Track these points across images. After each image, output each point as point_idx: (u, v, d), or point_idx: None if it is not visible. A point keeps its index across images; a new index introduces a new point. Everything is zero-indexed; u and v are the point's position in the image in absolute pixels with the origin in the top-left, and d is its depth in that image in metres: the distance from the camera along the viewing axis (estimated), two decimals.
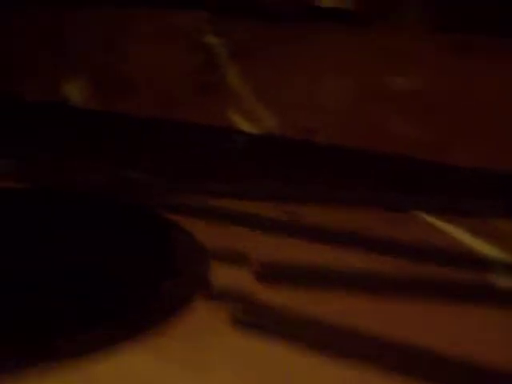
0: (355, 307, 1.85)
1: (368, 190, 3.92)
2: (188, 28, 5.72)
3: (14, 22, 6.44)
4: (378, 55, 5.07)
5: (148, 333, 1.68)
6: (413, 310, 1.90)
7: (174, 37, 5.79)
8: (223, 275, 2.24)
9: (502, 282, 2.12)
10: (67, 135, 5.02)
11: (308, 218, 3.22)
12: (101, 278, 2.02)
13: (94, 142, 4.78)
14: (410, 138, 5.01)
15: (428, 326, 1.76)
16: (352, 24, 5.06)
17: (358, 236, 2.77)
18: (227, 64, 5.45)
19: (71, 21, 6.25)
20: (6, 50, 6.54)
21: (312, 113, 5.39)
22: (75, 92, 6.15)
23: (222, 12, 5.09)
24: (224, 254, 2.52)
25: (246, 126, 5.38)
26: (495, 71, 3.96)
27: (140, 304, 1.72)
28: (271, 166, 4.49)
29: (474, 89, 3.94)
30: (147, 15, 5.73)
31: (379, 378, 1.45)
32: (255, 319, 1.91)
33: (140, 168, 4.03)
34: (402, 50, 4.91)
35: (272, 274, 2.31)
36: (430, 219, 3.30)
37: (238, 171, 4.18)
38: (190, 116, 5.77)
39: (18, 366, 1.37)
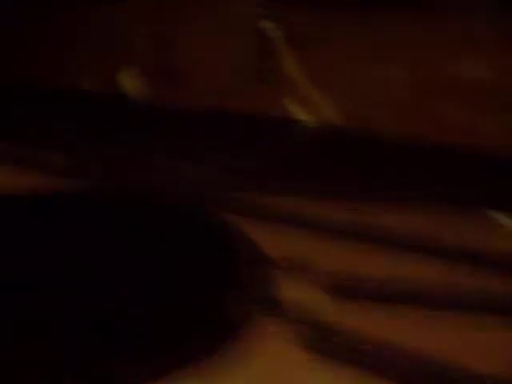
0: (438, 333, 1.60)
1: (434, 185, 3.73)
2: (241, 13, 5.52)
3: (65, 16, 6.37)
4: (441, 41, 4.79)
5: (211, 358, 1.57)
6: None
7: (226, 23, 5.60)
8: (290, 289, 2.07)
9: None
10: (125, 130, 4.96)
11: (373, 218, 3.03)
12: (164, 291, 1.93)
13: (151, 137, 4.71)
14: (476, 128, 4.72)
15: None
16: (413, 9, 4.78)
17: (429, 242, 2.60)
18: (283, 50, 5.26)
19: (121, 13, 6.14)
20: (59, 43, 6.47)
21: (371, 101, 5.15)
22: (129, 84, 6.05)
23: None
24: (290, 264, 2.37)
25: (303, 116, 5.20)
26: None
27: (202, 324, 1.61)
28: (332, 159, 4.33)
29: None
30: (198, 2, 5.58)
31: None
32: (326, 345, 1.69)
33: (199, 163, 3.93)
34: (466, 34, 4.63)
35: (343, 288, 2.12)
36: (500, 219, 3.06)
37: (298, 167, 4.05)
38: (244, 106, 5.59)
39: None
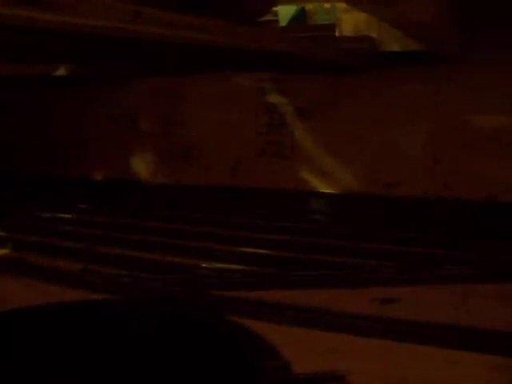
0: None
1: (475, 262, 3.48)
2: (250, 89, 5.44)
3: (76, 103, 6.32)
4: (457, 93, 4.62)
5: None
6: None
7: (235, 99, 5.53)
8: None
9: None
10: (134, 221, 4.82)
11: (410, 307, 2.88)
12: None
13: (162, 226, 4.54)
14: (505, 182, 4.47)
15: None
16: (424, 64, 4.63)
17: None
18: (294, 123, 5.14)
19: (131, 95, 6.09)
20: (68, 133, 6.43)
21: (392, 165, 4.96)
22: (142, 168, 5.96)
23: (285, 70, 4.81)
24: (321, 379, 2.23)
25: (321, 187, 5.02)
26: None
27: None
28: (358, 237, 4.12)
29: None
30: (208, 80, 5.52)
31: None
32: None
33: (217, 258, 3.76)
34: (487, 85, 4.44)
35: None
36: None
37: (321, 249, 3.86)
38: (258, 180, 5.45)
39: None
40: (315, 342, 2.51)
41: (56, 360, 2.13)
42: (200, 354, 2.14)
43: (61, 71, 5.02)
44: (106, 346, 2.17)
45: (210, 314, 2.58)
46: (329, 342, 2.52)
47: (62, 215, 5.08)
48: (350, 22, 4.56)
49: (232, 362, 2.14)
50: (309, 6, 5.01)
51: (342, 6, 4.54)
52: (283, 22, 4.68)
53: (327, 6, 4.99)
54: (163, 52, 3.44)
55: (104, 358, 2.10)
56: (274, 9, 4.84)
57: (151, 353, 2.11)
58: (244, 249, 3.90)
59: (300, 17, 4.77)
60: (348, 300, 2.94)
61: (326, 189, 5.12)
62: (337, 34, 4.47)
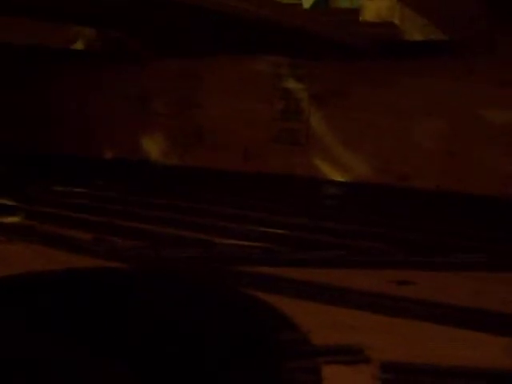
0: None
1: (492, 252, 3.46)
2: (267, 74, 5.40)
3: (91, 81, 6.31)
4: (478, 87, 4.58)
5: None
6: None
7: (252, 84, 5.49)
8: (337, 381, 1.92)
9: None
10: (148, 195, 4.80)
11: (426, 289, 2.87)
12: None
13: (176, 205, 4.53)
14: None
15: None
16: (445, 55, 4.58)
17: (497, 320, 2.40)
18: (310, 109, 5.10)
19: (146, 76, 6.06)
20: (83, 110, 6.41)
21: (405, 156, 4.92)
22: (154, 148, 5.94)
23: (302, 55, 4.77)
24: (337, 350, 2.21)
25: (335, 175, 4.99)
26: None
27: None
28: (371, 222, 4.10)
29: None
30: (223, 64, 5.48)
31: None
32: None
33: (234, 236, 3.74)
34: (505, 79, 4.40)
35: (397, 379, 1.97)
36: None
37: (334, 233, 3.84)
38: (271, 166, 5.42)
39: None
40: (333, 317, 2.49)
41: (61, 324, 2.12)
42: (218, 326, 2.12)
43: (78, 45, 4.99)
44: (124, 311, 2.16)
45: (228, 287, 2.56)
46: (346, 318, 2.50)
47: (75, 189, 5.12)
48: (372, 9, 4.52)
49: (250, 333, 2.12)
50: None
51: None
52: (306, 6, 4.64)
53: None
54: (192, 24, 3.38)
55: (120, 322, 2.09)
56: None
57: (168, 322, 2.09)
58: (257, 227, 3.91)
59: (322, 1, 4.73)
60: (365, 280, 2.93)
61: (339, 177, 5.09)
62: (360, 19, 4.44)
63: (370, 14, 4.40)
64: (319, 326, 2.31)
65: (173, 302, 2.18)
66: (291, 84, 5.35)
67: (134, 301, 2.13)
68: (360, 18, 4.36)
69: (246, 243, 3.59)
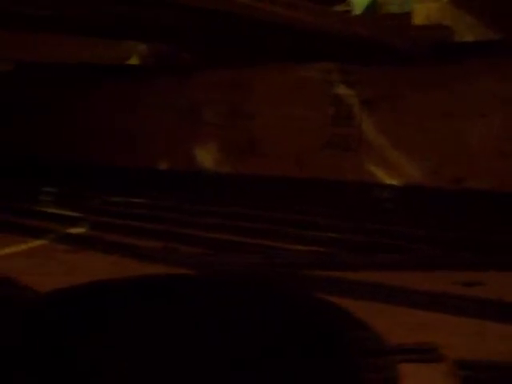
0: None
1: None
2: (317, 81, 5.44)
3: (142, 95, 6.45)
4: None
5: None
6: None
7: (302, 91, 5.53)
8: (414, 379, 1.94)
9: None
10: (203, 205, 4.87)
11: (493, 290, 2.85)
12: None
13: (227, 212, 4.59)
14: None
15: None
16: (496, 56, 4.53)
17: None
18: (361, 115, 5.12)
19: (196, 86, 6.16)
20: (134, 124, 6.54)
21: (459, 159, 4.88)
22: (207, 158, 6.02)
23: (353, 61, 4.80)
24: (410, 349, 2.23)
25: (388, 179, 4.99)
26: None
27: None
28: (428, 225, 4.09)
29: None
30: (273, 72, 5.54)
31: None
32: None
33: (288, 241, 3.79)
34: None
35: (474, 377, 1.98)
36: None
37: (392, 236, 3.85)
38: (323, 172, 5.44)
39: None
40: (403, 318, 2.51)
41: (141, 329, 2.18)
42: (294, 329, 2.15)
43: (133, 60, 5.13)
44: (197, 316, 2.21)
45: (299, 291, 2.60)
46: (417, 318, 2.52)
47: (133, 200, 5.27)
48: (423, 12, 4.54)
49: (325, 334, 2.15)
50: None
51: None
52: (357, 12, 4.67)
53: None
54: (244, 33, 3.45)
55: (193, 328, 2.14)
56: None
57: (244, 327, 2.13)
58: (314, 232, 3.95)
59: (372, 7, 4.76)
60: (431, 282, 2.94)
61: (392, 181, 5.09)
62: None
63: (420, 17, 4.43)
64: (391, 327, 2.33)
65: (247, 307, 2.23)
66: (342, 90, 5.38)
67: (213, 307, 2.18)
68: (411, 22, 4.39)
69: (305, 248, 3.65)
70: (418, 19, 4.52)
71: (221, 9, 2.81)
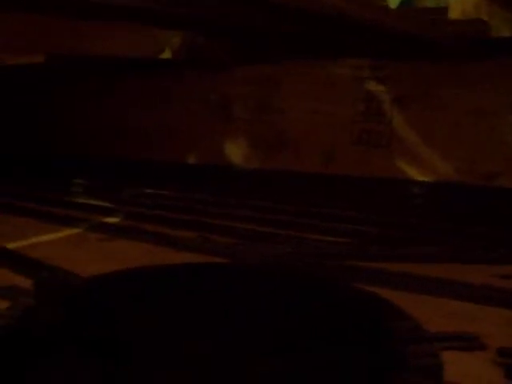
0: None
1: None
2: (347, 77, 5.43)
3: (173, 90, 6.49)
4: None
5: None
6: None
7: (332, 87, 5.52)
8: (456, 366, 1.93)
9: None
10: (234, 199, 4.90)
11: None
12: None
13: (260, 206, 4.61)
14: None
15: None
16: None
17: None
18: (392, 111, 5.10)
19: (228, 81, 6.19)
20: (164, 118, 6.59)
21: (492, 155, 4.85)
22: (236, 153, 6.05)
23: (384, 56, 4.78)
24: (452, 337, 2.22)
25: (418, 176, 4.96)
26: None
27: None
28: (461, 220, 4.08)
29: None
30: (303, 67, 5.54)
31: None
32: None
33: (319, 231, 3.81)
34: None
35: None
36: None
37: (424, 230, 3.83)
38: (353, 169, 5.43)
39: None
40: (444, 308, 2.51)
41: (179, 315, 2.20)
42: (331, 318, 2.16)
43: (165, 54, 5.17)
44: (236, 304, 2.22)
45: (339, 281, 2.60)
46: (457, 309, 2.51)
47: (164, 192, 5.36)
48: (459, 7, 4.50)
49: (365, 323, 2.16)
50: None
51: None
52: (392, 6, 4.66)
53: None
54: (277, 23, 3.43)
55: (232, 315, 2.15)
56: None
57: (288, 316, 2.14)
58: (344, 225, 3.97)
59: (407, 1, 4.74)
60: (468, 274, 2.93)
61: (423, 178, 5.06)
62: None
63: (456, 11, 4.39)
64: (432, 317, 2.33)
65: (290, 295, 2.24)
66: (372, 86, 5.36)
67: (260, 296, 2.20)
68: (447, 17, 4.35)
69: (335, 239, 3.65)
70: (454, 14, 4.48)
71: None
